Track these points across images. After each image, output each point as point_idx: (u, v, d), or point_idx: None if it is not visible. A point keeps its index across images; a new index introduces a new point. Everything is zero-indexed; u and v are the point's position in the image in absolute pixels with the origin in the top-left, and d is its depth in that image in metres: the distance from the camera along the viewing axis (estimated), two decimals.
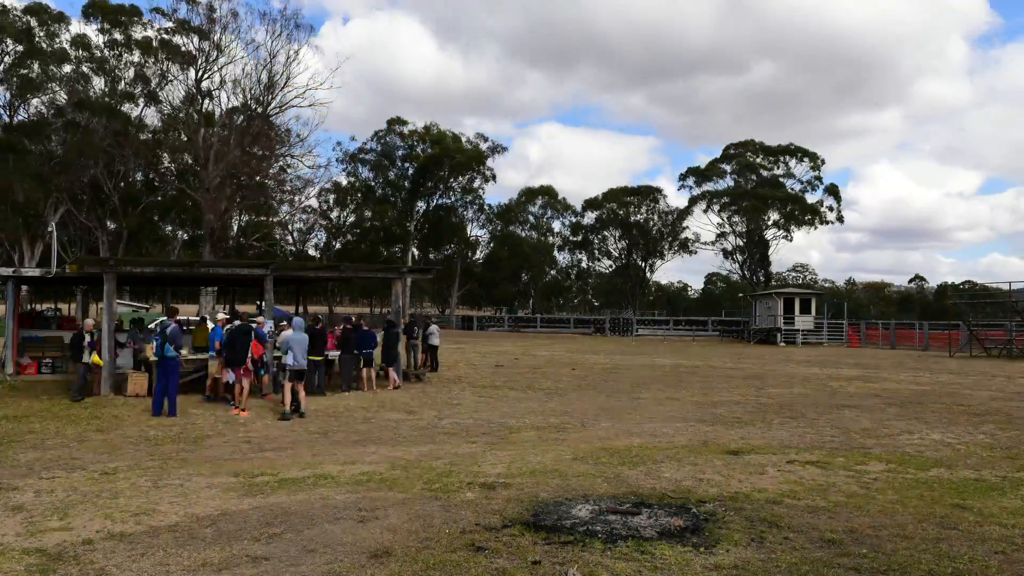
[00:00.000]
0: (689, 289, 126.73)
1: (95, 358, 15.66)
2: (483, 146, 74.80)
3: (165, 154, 51.56)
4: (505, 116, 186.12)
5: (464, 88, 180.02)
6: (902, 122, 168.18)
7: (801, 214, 70.38)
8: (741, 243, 73.89)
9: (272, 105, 44.82)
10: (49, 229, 40.70)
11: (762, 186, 70.69)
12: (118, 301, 20.86)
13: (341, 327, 19.64)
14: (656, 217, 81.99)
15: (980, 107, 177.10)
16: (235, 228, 53.77)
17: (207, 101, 45.29)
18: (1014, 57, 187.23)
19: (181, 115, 46.15)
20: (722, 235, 74.33)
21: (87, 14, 49.48)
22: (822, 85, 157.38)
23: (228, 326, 15.96)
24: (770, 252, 73.52)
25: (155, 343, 14.19)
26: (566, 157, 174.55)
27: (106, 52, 49.91)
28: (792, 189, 71.69)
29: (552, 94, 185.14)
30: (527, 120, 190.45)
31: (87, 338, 15.70)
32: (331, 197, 75.31)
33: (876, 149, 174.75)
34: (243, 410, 14.13)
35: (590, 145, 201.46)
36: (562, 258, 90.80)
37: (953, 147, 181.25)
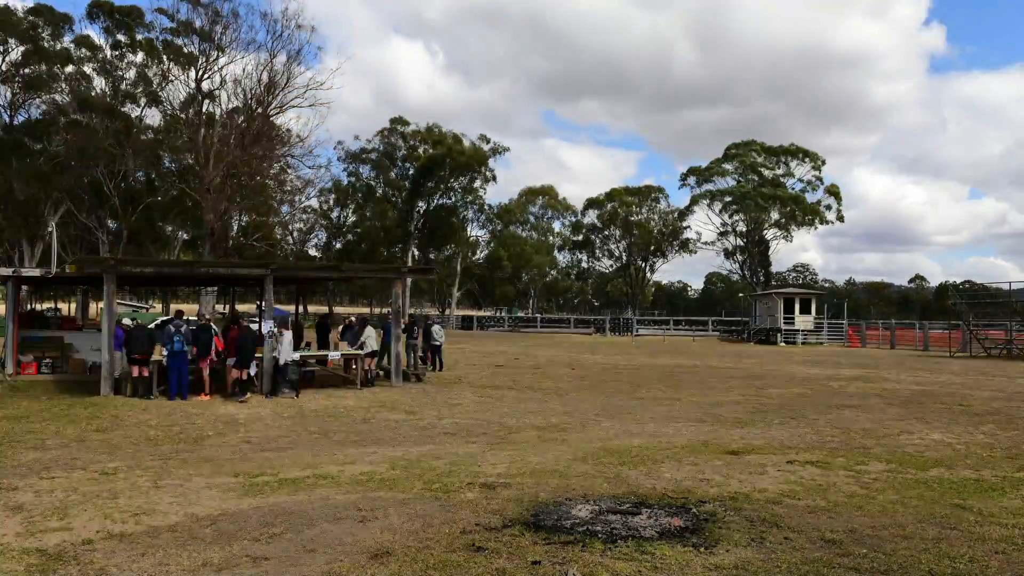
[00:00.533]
0: (689, 289, 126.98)
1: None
2: (484, 147, 74.79)
3: (166, 154, 51.56)
4: (507, 135, 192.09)
5: (470, 110, 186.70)
6: (878, 140, 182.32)
7: (802, 214, 70.33)
8: (742, 243, 73.85)
9: (272, 105, 44.75)
10: (49, 229, 40.77)
11: (763, 186, 70.66)
12: (118, 301, 20.87)
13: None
14: (657, 217, 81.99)
15: (946, 126, 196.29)
16: (235, 228, 53.71)
17: (208, 101, 45.28)
18: (970, 82, 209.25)
19: (182, 115, 46.12)
20: (723, 235, 74.34)
21: (91, 15, 49.56)
22: (800, 108, 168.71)
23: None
24: (770, 252, 73.54)
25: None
26: (563, 170, 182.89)
27: (109, 53, 50.00)
28: (792, 189, 71.71)
29: (554, 119, 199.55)
30: (527, 137, 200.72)
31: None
32: (331, 197, 75.38)
33: (855, 163, 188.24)
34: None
35: (586, 157, 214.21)
36: (562, 258, 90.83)
37: (928, 162, 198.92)
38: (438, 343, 23.40)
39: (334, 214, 77.96)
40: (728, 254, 74.95)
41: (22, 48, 47.24)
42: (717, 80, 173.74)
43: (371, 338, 19.22)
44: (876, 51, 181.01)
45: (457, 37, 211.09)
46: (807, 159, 71.99)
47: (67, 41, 49.44)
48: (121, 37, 49.94)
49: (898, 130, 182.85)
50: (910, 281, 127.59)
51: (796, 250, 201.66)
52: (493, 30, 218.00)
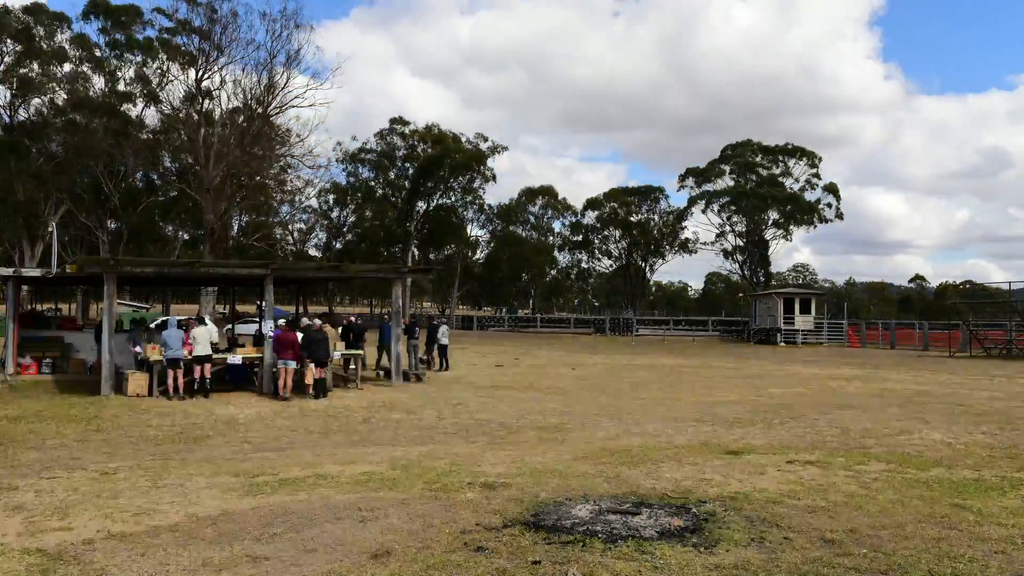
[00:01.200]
0: (689, 289, 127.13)
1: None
2: (483, 146, 74.69)
3: (165, 154, 51.53)
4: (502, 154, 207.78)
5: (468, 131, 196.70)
6: (851, 154, 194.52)
7: (801, 213, 70.24)
8: (741, 243, 73.80)
9: (272, 105, 44.71)
10: (49, 229, 40.72)
11: (761, 185, 70.57)
12: (118, 301, 20.87)
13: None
14: (656, 217, 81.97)
15: (910, 142, 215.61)
16: (235, 228, 53.71)
17: (207, 101, 45.24)
18: (925, 106, 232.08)
19: (181, 115, 46.10)
20: (722, 235, 74.23)
21: (88, 14, 49.54)
22: (777, 134, 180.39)
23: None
24: (770, 252, 73.45)
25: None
26: (559, 182, 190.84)
27: (106, 52, 49.98)
28: (791, 188, 71.59)
29: (548, 143, 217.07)
30: (523, 153, 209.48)
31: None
32: (331, 197, 75.33)
33: (829, 177, 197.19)
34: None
35: (581, 173, 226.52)
36: (562, 258, 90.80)
37: (899, 176, 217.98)
38: (444, 343, 23.45)
39: (334, 214, 77.92)
40: (727, 254, 74.90)
41: (17, 48, 47.19)
42: (700, 111, 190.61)
43: (203, 337, 16.41)
44: (840, 78, 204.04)
45: (459, 77, 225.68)
46: (804, 158, 71.87)
47: (64, 40, 49.41)
48: (119, 36, 49.94)
49: (867, 148, 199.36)
50: (910, 281, 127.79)
51: (789, 251, 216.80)
52: (493, 71, 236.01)
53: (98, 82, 50.02)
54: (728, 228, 73.49)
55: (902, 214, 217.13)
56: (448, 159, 70.70)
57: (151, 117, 51.41)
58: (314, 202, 70.89)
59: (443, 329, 24.03)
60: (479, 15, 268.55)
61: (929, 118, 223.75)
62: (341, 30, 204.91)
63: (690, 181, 74.85)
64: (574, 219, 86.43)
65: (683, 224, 77.68)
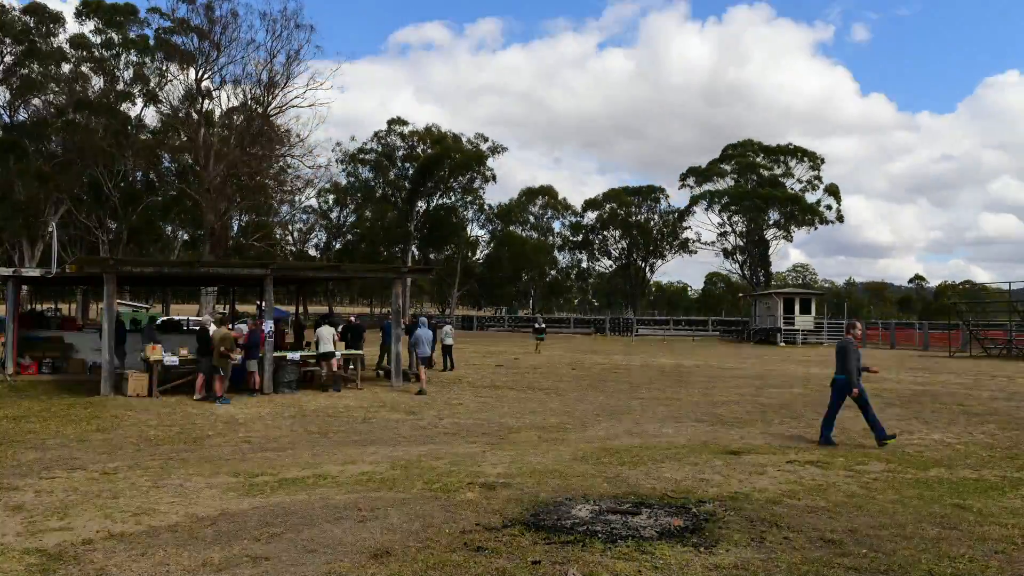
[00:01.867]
0: (689, 289, 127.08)
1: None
2: (483, 146, 74.71)
3: (165, 154, 51.57)
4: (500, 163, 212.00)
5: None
6: (826, 170, 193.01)
7: (801, 214, 70.23)
8: (741, 243, 73.78)
9: (272, 105, 44.75)
10: (49, 229, 40.73)
11: (762, 186, 70.55)
12: (118, 301, 20.87)
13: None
14: (657, 217, 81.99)
15: (881, 155, 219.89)
16: (235, 228, 53.72)
17: (207, 101, 45.26)
18: (889, 123, 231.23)
19: (181, 115, 46.11)
20: (722, 235, 74.22)
21: (80, 14, 49.45)
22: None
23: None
24: (770, 252, 73.46)
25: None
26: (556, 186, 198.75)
27: (103, 52, 49.94)
28: (792, 189, 71.58)
29: (543, 156, 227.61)
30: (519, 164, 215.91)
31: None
32: (331, 197, 75.35)
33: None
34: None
35: (575, 183, 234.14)
36: (562, 258, 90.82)
37: (879, 187, 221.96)
38: (449, 343, 23.41)
39: (334, 214, 78.05)
40: (727, 254, 74.91)
41: (18, 48, 47.16)
42: (686, 134, 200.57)
43: (324, 339, 17.79)
44: (809, 100, 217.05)
45: (457, 104, 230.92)
46: (806, 158, 71.89)
47: (62, 39, 49.40)
48: (114, 36, 49.87)
49: (845, 164, 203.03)
50: (910, 281, 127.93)
51: (784, 252, 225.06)
52: (490, 100, 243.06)
53: (97, 82, 50.04)
54: (729, 228, 73.57)
55: (878, 220, 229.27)
56: (448, 159, 70.72)
57: (151, 117, 51.51)
58: (314, 202, 71.01)
59: (447, 329, 24.02)
60: (473, 56, 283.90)
61: (894, 133, 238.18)
62: (349, 69, 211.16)
63: (691, 180, 74.89)
64: (574, 219, 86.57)
65: (684, 224, 77.74)
